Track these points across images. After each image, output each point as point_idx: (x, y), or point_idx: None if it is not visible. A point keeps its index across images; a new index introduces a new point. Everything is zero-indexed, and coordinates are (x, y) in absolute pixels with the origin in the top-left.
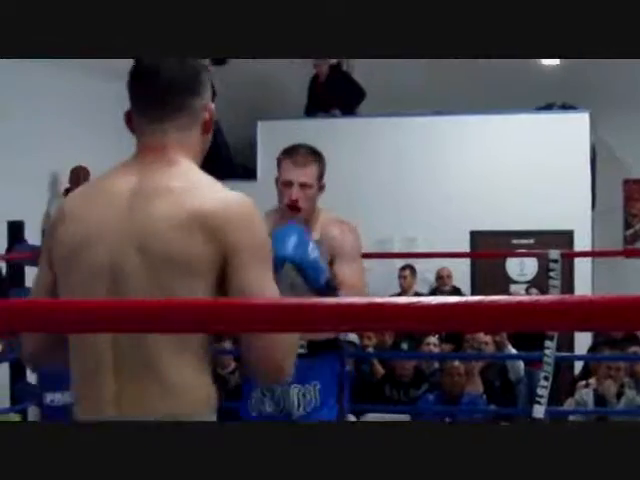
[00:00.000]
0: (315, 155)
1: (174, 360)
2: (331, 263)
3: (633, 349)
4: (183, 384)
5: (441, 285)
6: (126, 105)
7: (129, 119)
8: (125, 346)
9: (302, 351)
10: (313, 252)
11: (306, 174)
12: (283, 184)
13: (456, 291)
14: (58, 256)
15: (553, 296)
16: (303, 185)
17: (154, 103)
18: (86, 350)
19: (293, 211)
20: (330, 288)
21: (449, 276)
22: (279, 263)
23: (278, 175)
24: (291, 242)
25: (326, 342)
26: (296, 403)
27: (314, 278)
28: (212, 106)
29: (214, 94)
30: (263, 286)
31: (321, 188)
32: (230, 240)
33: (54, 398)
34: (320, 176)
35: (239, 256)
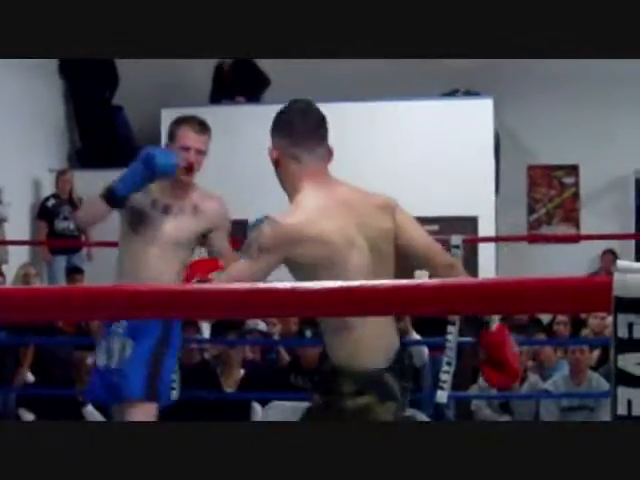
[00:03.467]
0: (208, 126)
1: None
2: (207, 233)
3: (538, 335)
4: None
5: None
6: (24, 86)
7: (277, 153)
8: None
9: None
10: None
11: (203, 141)
12: (181, 148)
13: None
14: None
15: (456, 279)
16: (199, 151)
17: (317, 133)
18: None
19: (188, 173)
20: None
21: None
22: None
23: (171, 141)
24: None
25: None
26: (116, 353)
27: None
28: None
29: (118, 82)
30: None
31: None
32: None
33: None
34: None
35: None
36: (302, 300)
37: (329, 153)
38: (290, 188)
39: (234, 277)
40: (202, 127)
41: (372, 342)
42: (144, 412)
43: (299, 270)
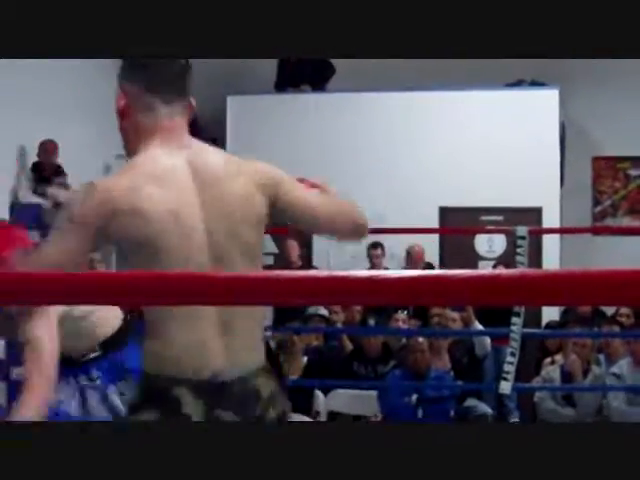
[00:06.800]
0: None
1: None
2: None
3: (606, 327)
4: None
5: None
6: (91, 79)
7: (125, 101)
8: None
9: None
10: None
11: None
12: None
13: (429, 267)
14: (139, 237)
15: (514, 270)
16: None
17: (178, 83)
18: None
19: None
20: None
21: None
22: None
23: None
24: None
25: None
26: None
27: None
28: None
29: None
30: None
31: None
32: None
33: (21, 373)
34: None
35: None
36: (377, 288)
37: (190, 109)
38: (134, 146)
39: (38, 257)
40: None
41: (182, 347)
42: None
43: (122, 251)
